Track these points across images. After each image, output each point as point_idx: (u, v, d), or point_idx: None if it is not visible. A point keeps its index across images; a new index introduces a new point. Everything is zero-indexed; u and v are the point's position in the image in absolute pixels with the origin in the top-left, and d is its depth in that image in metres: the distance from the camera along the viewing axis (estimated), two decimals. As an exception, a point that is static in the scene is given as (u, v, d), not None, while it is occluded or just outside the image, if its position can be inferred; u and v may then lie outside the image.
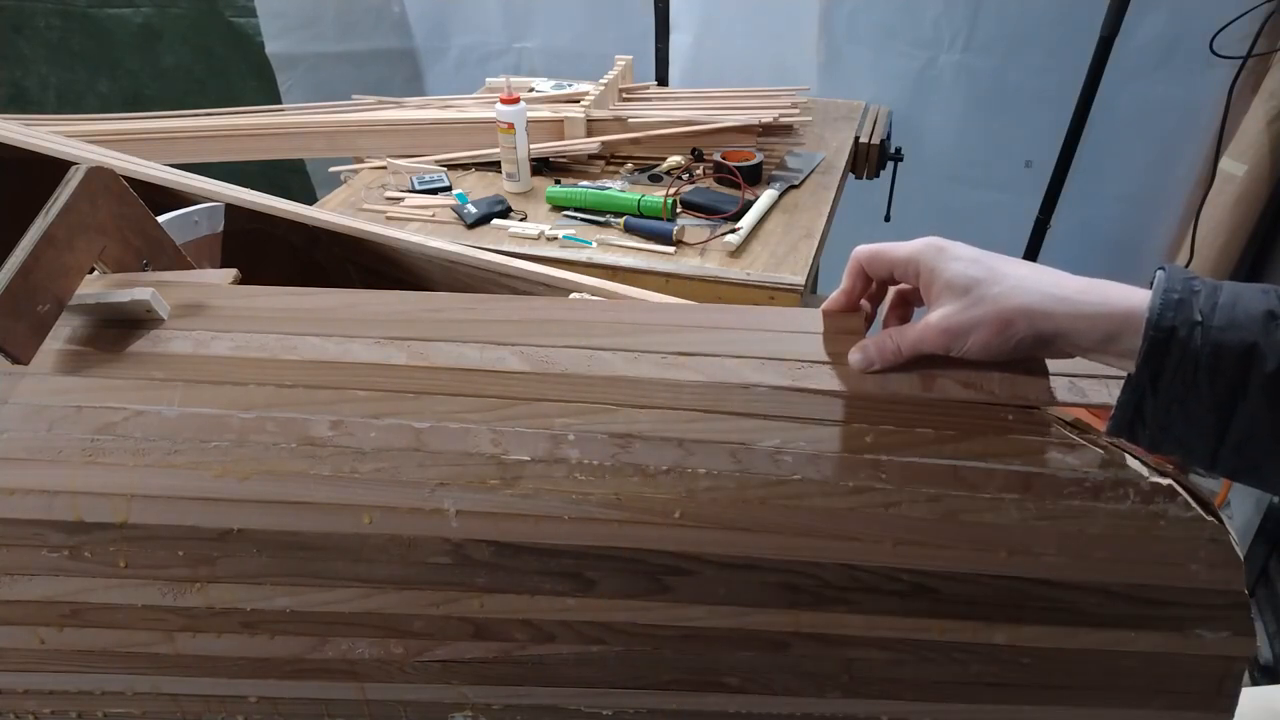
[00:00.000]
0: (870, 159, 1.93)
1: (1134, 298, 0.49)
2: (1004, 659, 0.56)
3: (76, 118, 1.70)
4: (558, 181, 1.70)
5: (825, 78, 2.23)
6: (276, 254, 1.02)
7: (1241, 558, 0.55)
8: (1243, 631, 0.56)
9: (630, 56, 1.99)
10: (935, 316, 0.54)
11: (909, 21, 2.11)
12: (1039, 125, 2.06)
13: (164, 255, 0.73)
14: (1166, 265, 0.50)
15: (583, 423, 0.57)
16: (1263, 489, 0.51)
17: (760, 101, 1.85)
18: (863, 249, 0.58)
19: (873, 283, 0.60)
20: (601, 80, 1.88)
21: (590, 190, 1.64)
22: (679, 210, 1.59)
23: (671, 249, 1.49)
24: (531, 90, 1.97)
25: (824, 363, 0.60)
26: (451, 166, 1.77)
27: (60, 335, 0.63)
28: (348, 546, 0.57)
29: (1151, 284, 0.50)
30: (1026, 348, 0.53)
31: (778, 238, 1.54)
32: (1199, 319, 0.46)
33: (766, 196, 1.61)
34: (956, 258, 0.53)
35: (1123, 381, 0.51)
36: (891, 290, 0.62)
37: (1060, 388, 0.57)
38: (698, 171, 1.73)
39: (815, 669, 0.58)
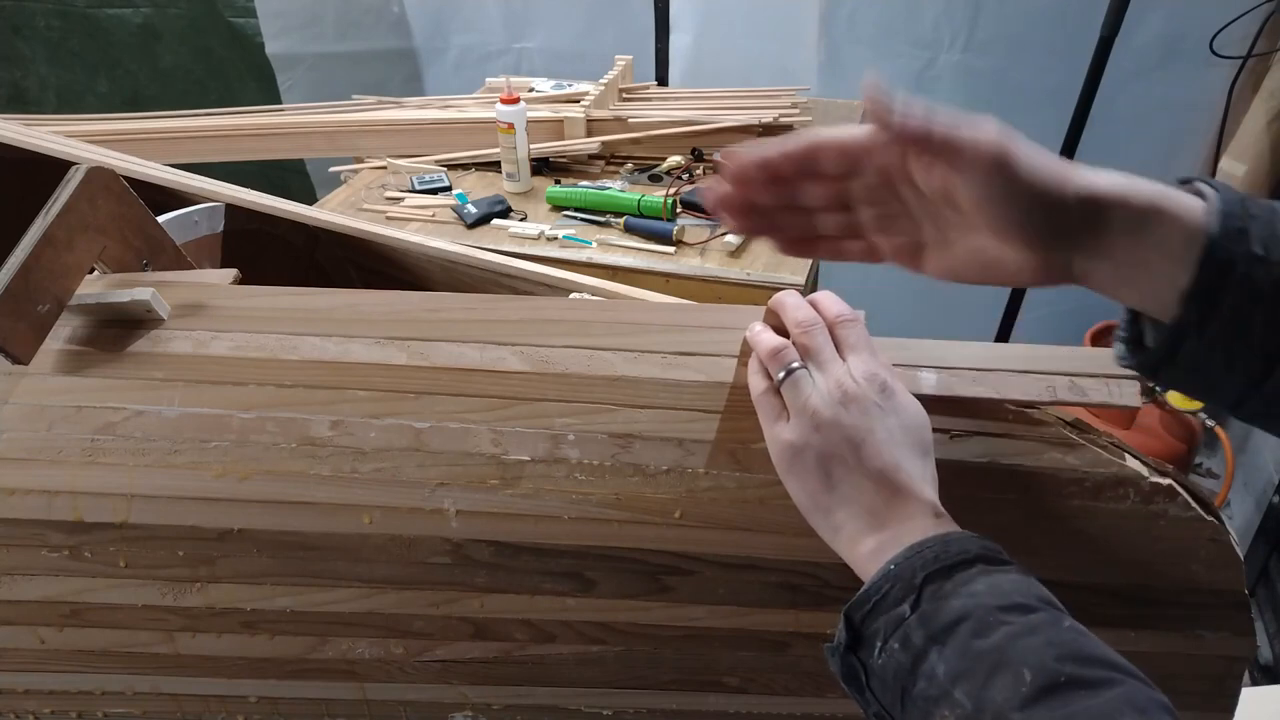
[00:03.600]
0: (870, 159, 1.93)
1: (1182, 200, 0.43)
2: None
3: (76, 118, 1.70)
4: (558, 181, 1.70)
5: (825, 78, 2.22)
6: (276, 254, 1.02)
7: (1241, 558, 0.55)
8: (1243, 631, 0.56)
9: (630, 56, 1.99)
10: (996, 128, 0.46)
11: (909, 21, 2.11)
12: (1039, 125, 2.04)
13: (164, 255, 0.73)
14: (1213, 181, 0.43)
15: (583, 423, 0.57)
16: (1272, 433, 0.46)
17: (760, 101, 1.84)
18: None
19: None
20: (601, 80, 1.88)
21: (590, 190, 1.63)
22: (679, 210, 1.59)
23: (671, 249, 1.49)
24: (531, 90, 1.97)
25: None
26: (451, 166, 1.77)
27: (60, 335, 0.63)
28: (348, 546, 0.57)
29: (1196, 192, 0.43)
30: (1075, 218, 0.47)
31: (778, 238, 1.54)
32: (1260, 252, 0.40)
33: (766, 196, 1.61)
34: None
35: (1123, 380, 0.51)
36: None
37: (1060, 387, 0.57)
38: (698, 171, 1.73)
39: (815, 669, 0.58)
